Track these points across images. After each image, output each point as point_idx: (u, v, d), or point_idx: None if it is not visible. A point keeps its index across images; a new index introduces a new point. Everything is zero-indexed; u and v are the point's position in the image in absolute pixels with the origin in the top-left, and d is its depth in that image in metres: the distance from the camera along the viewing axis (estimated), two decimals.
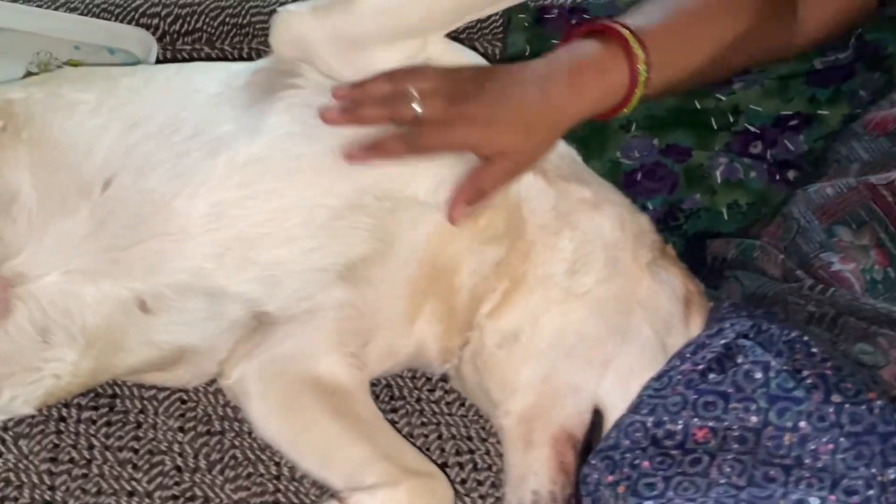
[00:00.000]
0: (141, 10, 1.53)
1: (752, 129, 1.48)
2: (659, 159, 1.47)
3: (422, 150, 1.11)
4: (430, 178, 1.13)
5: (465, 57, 1.21)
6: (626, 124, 1.48)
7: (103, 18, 1.53)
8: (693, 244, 1.40)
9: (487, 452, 1.26)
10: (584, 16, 1.53)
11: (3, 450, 1.19)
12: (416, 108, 1.08)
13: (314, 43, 1.14)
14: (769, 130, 1.48)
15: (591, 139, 1.45)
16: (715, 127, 1.49)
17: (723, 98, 1.50)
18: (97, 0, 1.54)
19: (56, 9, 1.53)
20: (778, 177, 1.45)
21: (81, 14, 1.53)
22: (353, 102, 1.11)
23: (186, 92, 1.14)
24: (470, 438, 1.27)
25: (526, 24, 1.54)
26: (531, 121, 1.12)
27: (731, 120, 1.49)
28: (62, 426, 1.22)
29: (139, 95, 1.14)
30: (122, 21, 1.53)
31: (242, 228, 1.08)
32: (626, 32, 1.15)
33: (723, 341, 1.05)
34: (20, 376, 1.11)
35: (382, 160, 1.11)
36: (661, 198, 1.44)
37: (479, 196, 1.12)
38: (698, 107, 1.50)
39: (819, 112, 1.48)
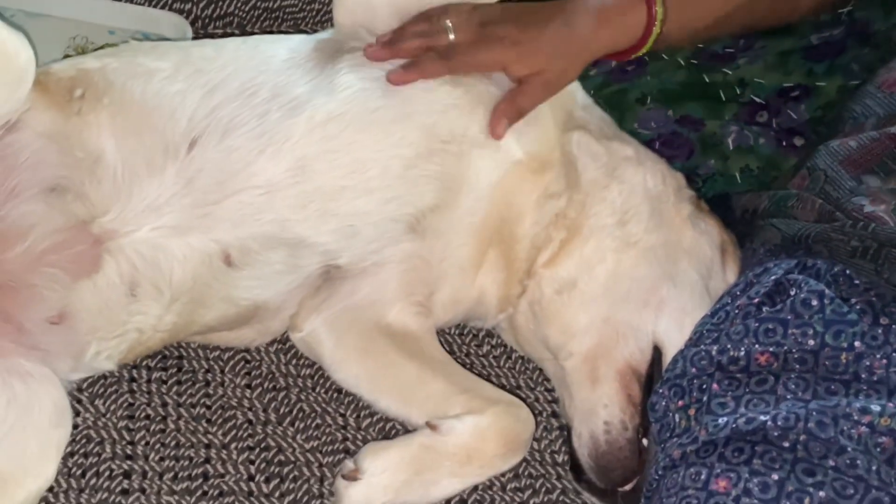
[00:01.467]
0: None
1: (757, 100, 1.59)
2: (675, 129, 1.56)
3: (457, 67, 1.20)
4: (485, 118, 1.21)
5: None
6: (642, 98, 1.57)
7: (137, 4, 1.57)
8: (711, 206, 1.49)
9: (537, 399, 1.34)
10: None
11: (81, 409, 1.23)
12: (451, 36, 1.19)
13: (377, 6, 1.23)
14: (773, 101, 1.58)
15: (609, 112, 1.54)
16: (724, 98, 1.59)
17: (729, 72, 1.60)
18: None
19: None
20: (784, 143, 1.56)
21: (116, 0, 1.57)
22: (394, 40, 1.19)
23: (258, 59, 1.21)
24: (519, 388, 1.35)
25: None
26: (557, 47, 1.22)
27: (738, 92, 1.59)
28: (134, 386, 1.26)
29: (213, 63, 1.19)
30: (155, 6, 1.57)
31: (324, 181, 1.15)
32: None
33: (772, 277, 1.14)
34: (106, 330, 1.15)
35: (422, 76, 1.19)
36: (679, 164, 1.53)
37: (517, 114, 1.22)
38: (707, 80, 1.59)
39: (817, 84, 1.59)
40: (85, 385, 1.24)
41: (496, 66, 1.21)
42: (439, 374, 1.22)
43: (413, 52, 1.20)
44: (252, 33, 1.60)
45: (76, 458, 1.18)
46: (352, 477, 1.14)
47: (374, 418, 1.28)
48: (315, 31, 1.51)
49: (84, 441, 1.20)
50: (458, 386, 1.21)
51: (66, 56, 1.52)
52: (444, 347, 1.35)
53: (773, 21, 1.50)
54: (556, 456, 1.28)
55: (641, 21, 1.25)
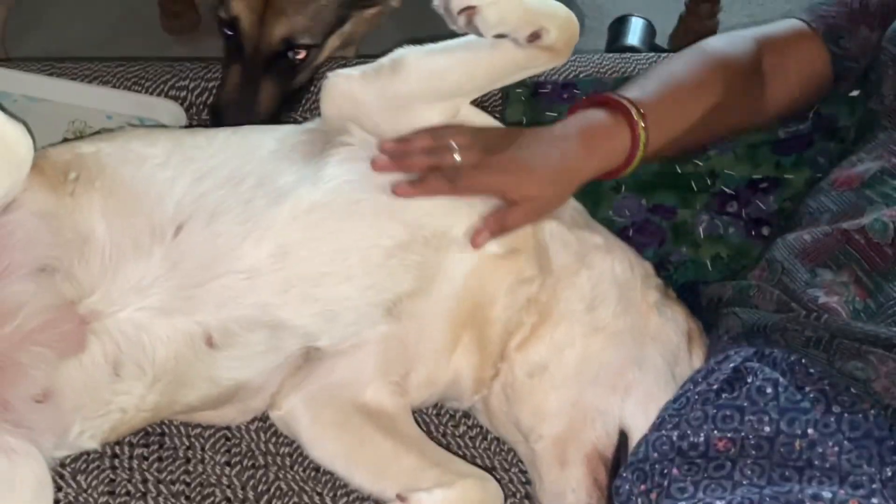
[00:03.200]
0: (170, 83, 1.65)
1: (727, 190, 1.66)
2: (648, 217, 1.63)
3: (461, 189, 1.27)
4: (470, 220, 1.27)
5: (490, 121, 1.39)
6: (617, 186, 1.64)
7: (134, 91, 1.64)
8: (682, 293, 1.54)
9: (511, 481, 1.37)
10: (575, 90, 1.70)
11: (63, 485, 1.26)
12: (457, 157, 1.26)
13: (364, 103, 1.29)
14: (743, 192, 1.65)
15: (585, 199, 1.60)
16: (695, 189, 1.66)
17: (700, 163, 1.67)
18: (128, 73, 1.65)
19: (90, 81, 1.64)
20: (754, 232, 1.62)
21: (114, 86, 1.64)
22: (400, 154, 1.25)
23: (247, 149, 1.27)
24: (494, 468, 1.38)
25: (522, 98, 1.69)
26: (552, 175, 1.30)
27: (709, 182, 1.66)
28: (116, 462, 1.30)
29: (203, 152, 1.26)
30: (152, 93, 1.64)
31: (306, 267, 1.20)
32: (627, 104, 1.34)
33: (731, 365, 1.19)
34: (90, 409, 1.19)
35: (425, 195, 1.25)
36: (652, 251, 1.59)
37: (501, 231, 1.28)
38: (679, 171, 1.66)
39: (785, 176, 1.66)
40: (67, 460, 1.28)
41: (496, 191, 1.28)
42: (413, 449, 1.26)
43: (420, 168, 1.26)
44: None
45: None
46: None
47: (351, 497, 1.31)
48: (306, 118, 1.58)
49: None
50: (431, 461, 1.25)
51: (65, 139, 1.59)
52: (421, 428, 1.39)
53: (742, 130, 1.58)
54: None
55: (626, 144, 1.33)
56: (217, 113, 1.58)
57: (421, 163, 1.26)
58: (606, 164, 1.34)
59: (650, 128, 1.34)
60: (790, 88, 1.52)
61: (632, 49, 2.50)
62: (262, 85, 1.57)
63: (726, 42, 1.51)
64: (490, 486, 1.24)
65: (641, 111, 1.34)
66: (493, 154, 1.27)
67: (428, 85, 1.30)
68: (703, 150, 1.66)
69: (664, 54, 1.87)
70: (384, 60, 1.32)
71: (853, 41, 1.51)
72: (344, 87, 1.31)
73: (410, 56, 1.31)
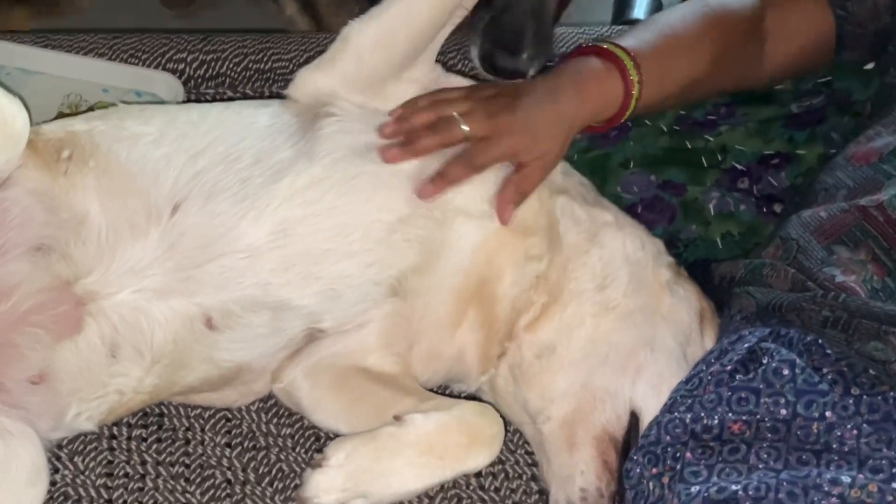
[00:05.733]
0: (167, 56, 1.61)
1: (738, 166, 1.62)
2: (657, 193, 1.59)
3: (480, 166, 1.23)
4: (472, 188, 1.24)
5: (464, 82, 1.35)
6: (625, 162, 1.61)
7: (131, 63, 1.60)
8: (692, 271, 1.51)
9: (517, 462, 1.34)
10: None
11: (60, 466, 1.23)
12: (464, 127, 1.22)
13: (330, 93, 1.27)
14: (754, 168, 1.62)
15: (593, 175, 1.56)
16: (705, 165, 1.62)
17: (711, 139, 1.63)
18: (125, 46, 1.62)
19: (85, 54, 1.60)
20: (765, 209, 1.58)
21: (110, 59, 1.61)
22: (406, 137, 1.22)
23: (241, 124, 1.24)
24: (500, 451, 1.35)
25: None
26: (553, 129, 1.27)
27: (720, 158, 1.62)
28: (114, 443, 1.27)
29: (198, 129, 1.22)
30: (149, 66, 1.61)
31: (307, 244, 1.17)
32: (620, 53, 1.31)
33: (746, 345, 1.16)
34: (87, 391, 1.16)
35: (451, 185, 1.22)
36: (661, 228, 1.56)
37: (522, 197, 1.25)
38: (689, 146, 1.63)
39: (797, 151, 1.62)
40: (64, 442, 1.25)
41: (510, 156, 1.25)
42: (413, 394, 1.23)
43: (432, 150, 1.23)
44: (243, 93, 1.63)
45: None
46: (317, 465, 1.16)
47: None
48: None
49: (62, 498, 1.20)
50: (431, 398, 1.23)
51: (60, 112, 1.56)
52: None
53: (740, 84, 1.54)
54: None
55: (619, 93, 1.30)
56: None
57: (431, 144, 1.22)
58: (599, 112, 1.31)
59: (644, 79, 1.31)
60: (790, 49, 1.49)
61: (637, 22, 2.45)
62: None
63: None
64: (488, 410, 1.22)
65: (635, 61, 1.32)
66: (495, 117, 1.23)
67: (381, 57, 1.27)
68: (713, 124, 1.63)
69: None
70: (336, 43, 1.29)
71: (860, 6, 1.47)
72: (309, 84, 1.28)
73: (352, 31, 1.27)
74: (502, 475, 1.32)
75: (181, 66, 1.61)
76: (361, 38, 1.27)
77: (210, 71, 1.63)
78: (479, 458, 1.19)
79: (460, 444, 1.17)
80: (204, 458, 1.27)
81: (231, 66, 1.63)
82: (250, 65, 1.64)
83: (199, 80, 1.62)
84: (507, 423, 1.36)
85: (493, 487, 1.30)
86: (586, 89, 1.29)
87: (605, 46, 1.33)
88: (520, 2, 1.43)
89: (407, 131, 1.23)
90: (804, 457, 1.04)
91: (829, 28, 1.48)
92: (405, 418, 1.16)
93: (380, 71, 1.28)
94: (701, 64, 1.39)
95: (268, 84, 1.64)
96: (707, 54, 1.39)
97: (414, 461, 1.15)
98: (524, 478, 1.33)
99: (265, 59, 1.64)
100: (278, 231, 1.17)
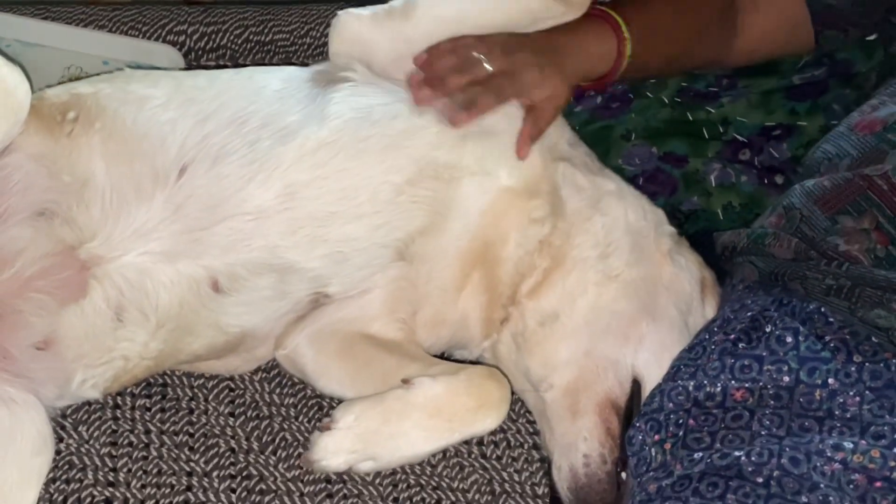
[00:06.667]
0: (168, 28, 1.61)
1: (740, 138, 1.62)
2: (659, 165, 1.59)
3: (504, 97, 1.26)
4: (478, 149, 1.25)
5: None
6: (627, 134, 1.61)
7: (131, 35, 1.60)
8: (693, 242, 1.51)
9: (519, 431, 1.35)
10: None
11: (64, 436, 1.23)
12: (487, 66, 1.25)
13: (373, 45, 1.26)
14: (755, 139, 1.62)
15: (595, 147, 1.56)
16: (707, 136, 1.62)
17: (712, 111, 1.63)
18: (125, 18, 1.61)
19: (85, 26, 1.60)
20: (766, 181, 1.58)
21: (110, 31, 1.60)
22: (435, 80, 1.23)
23: (251, 89, 1.23)
24: None
25: None
26: (561, 69, 1.29)
27: (721, 130, 1.62)
28: (118, 413, 1.27)
29: (205, 93, 1.22)
30: (149, 38, 1.60)
31: (315, 207, 1.17)
32: (614, 13, 1.36)
33: (749, 314, 1.16)
34: (93, 357, 1.16)
35: (481, 113, 1.24)
36: (663, 200, 1.56)
37: (539, 133, 1.28)
38: (690, 118, 1.63)
39: (799, 123, 1.62)
40: (69, 411, 1.25)
41: (529, 90, 1.27)
42: (419, 360, 1.24)
43: (461, 88, 1.24)
44: (244, 65, 1.63)
45: (58, 483, 1.18)
46: (326, 427, 1.16)
47: None
48: (306, 65, 1.54)
49: (66, 467, 1.21)
50: (437, 363, 1.24)
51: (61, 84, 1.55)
52: None
53: (706, 66, 1.58)
54: (536, 488, 1.29)
55: (613, 48, 1.34)
56: None
57: (460, 81, 1.24)
58: (595, 66, 1.35)
59: (633, 32, 1.35)
60: (766, 22, 1.53)
61: None
62: None
63: None
64: (495, 373, 1.22)
65: (628, 22, 1.35)
66: (512, 53, 1.26)
67: (439, 30, 1.26)
68: (716, 96, 1.63)
69: None
70: (395, 3, 1.28)
71: None
72: (354, 28, 1.27)
73: (423, 1, 1.27)
74: (504, 444, 1.32)
75: (181, 38, 1.61)
76: (427, 11, 1.27)
77: (211, 43, 1.62)
78: (488, 420, 1.20)
79: (468, 406, 1.18)
80: (207, 427, 1.28)
81: (232, 38, 1.63)
82: (251, 37, 1.64)
83: (200, 53, 1.62)
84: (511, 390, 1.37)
85: (494, 456, 1.31)
86: (585, 42, 1.32)
87: (603, 8, 1.35)
88: None
89: (435, 74, 1.24)
90: (807, 423, 1.05)
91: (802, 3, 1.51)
92: (413, 381, 1.17)
93: (428, 42, 1.28)
94: (683, 31, 1.44)
95: (269, 56, 1.64)
96: (691, 24, 1.44)
97: (423, 423, 1.16)
98: (526, 446, 1.33)
99: (266, 30, 1.64)
100: (286, 194, 1.17)
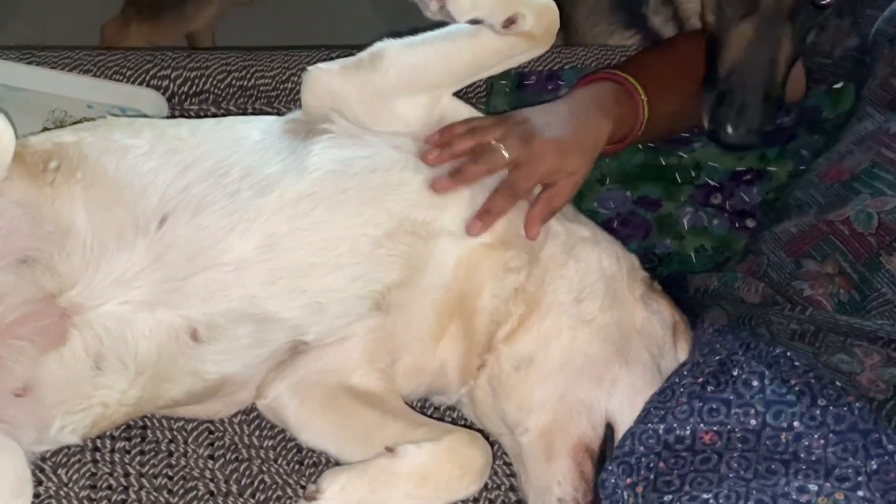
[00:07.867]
0: (151, 73, 1.63)
1: (711, 182, 1.66)
2: (633, 209, 1.63)
3: (523, 192, 1.29)
4: (457, 209, 1.27)
5: (471, 112, 1.37)
6: (602, 178, 1.64)
7: (115, 80, 1.62)
8: (666, 284, 1.55)
9: (496, 473, 1.36)
10: (560, 81, 1.70)
11: (43, 478, 1.25)
12: (505, 154, 1.27)
13: (344, 97, 1.29)
14: (727, 184, 1.66)
15: None
16: (679, 181, 1.66)
17: (685, 156, 1.67)
18: (109, 62, 1.63)
19: (70, 70, 1.62)
20: (737, 224, 1.62)
21: (94, 75, 1.62)
22: (451, 164, 1.27)
23: (231, 139, 1.26)
24: None
25: (507, 89, 1.69)
26: (582, 147, 1.33)
27: (693, 174, 1.66)
28: (97, 456, 1.29)
29: (187, 143, 1.24)
30: (133, 82, 1.62)
31: (294, 258, 1.19)
32: (628, 77, 1.41)
33: (717, 357, 1.19)
34: (71, 403, 1.17)
35: (500, 216, 1.27)
36: (637, 243, 1.59)
37: (551, 214, 1.31)
38: (664, 163, 1.67)
39: (769, 168, 1.67)
40: (48, 454, 1.26)
41: (546, 177, 1.30)
42: (401, 418, 1.25)
43: (480, 178, 1.27)
44: (227, 110, 1.65)
45: None
46: (311, 497, 1.17)
47: None
48: (288, 110, 1.57)
49: None
50: (419, 424, 1.25)
51: (45, 128, 1.56)
52: None
53: (681, 130, 1.64)
54: None
55: (631, 114, 1.38)
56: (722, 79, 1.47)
57: (478, 171, 1.27)
58: (617, 129, 1.38)
59: (648, 93, 1.40)
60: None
61: None
62: (782, 41, 1.46)
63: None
64: (477, 439, 1.23)
65: (642, 85, 1.40)
66: (530, 141, 1.28)
67: (408, 79, 1.29)
68: (687, 142, 1.67)
69: None
70: (364, 54, 1.31)
71: (822, 35, 1.53)
72: (324, 82, 1.30)
73: (390, 50, 1.30)
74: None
75: (165, 83, 1.63)
76: (394, 59, 1.29)
77: (194, 88, 1.64)
78: (471, 487, 1.21)
79: (453, 475, 1.19)
80: (187, 469, 1.29)
81: (215, 82, 1.65)
82: (234, 81, 1.66)
83: (183, 97, 1.64)
84: (485, 435, 1.39)
85: (471, 498, 1.32)
86: (608, 109, 1.36)
87: (615, 72, 1.41)
88: (749, 74, 1.45)
89: (450, 158, 1.27)
90: (773, 466, 1.07)
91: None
92: (398, 450, 1.18)
93: (397, 92, 1.30)
94: (684, 87, 1.49)
95: (251, 101, 1.66)
96: (686, 91, 1.50)
97: (410, 493, 1.17)
98: (503, 488, 1.35)
99: (248, 76, 1.66)
100: (266, 244, 1.19)
